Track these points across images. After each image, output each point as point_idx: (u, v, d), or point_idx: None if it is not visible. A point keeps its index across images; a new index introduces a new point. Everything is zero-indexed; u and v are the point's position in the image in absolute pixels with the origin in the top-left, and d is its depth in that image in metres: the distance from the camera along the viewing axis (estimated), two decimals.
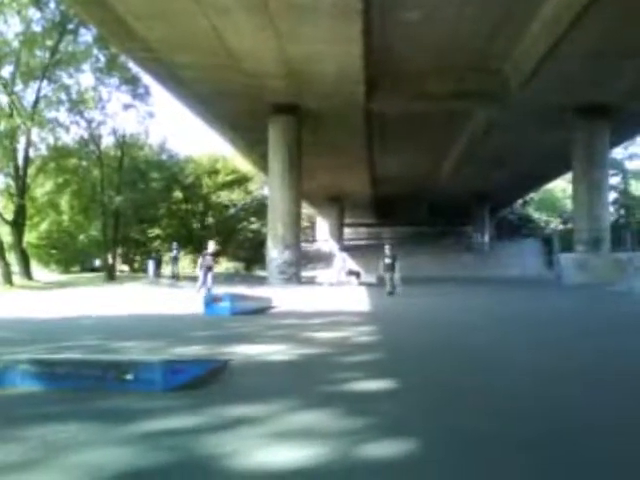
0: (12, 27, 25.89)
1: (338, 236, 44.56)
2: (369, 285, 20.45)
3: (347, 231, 48.70)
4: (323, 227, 50.40)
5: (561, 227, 47.46)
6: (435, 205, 43.97)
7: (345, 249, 28.22)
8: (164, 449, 2.57)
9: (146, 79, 27.81)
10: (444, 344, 6.19)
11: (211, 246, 17.98)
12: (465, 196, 41.17)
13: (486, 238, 45.34)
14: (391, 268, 14.96)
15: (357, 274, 22.71)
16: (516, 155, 29.01)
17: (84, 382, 3.76)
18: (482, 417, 3.15)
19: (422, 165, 32.59)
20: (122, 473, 2.26)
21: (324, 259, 31.34)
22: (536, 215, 56.41)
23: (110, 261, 30.48)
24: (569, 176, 27.14)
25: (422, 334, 7.10)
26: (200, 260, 17.19)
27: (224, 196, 42.58)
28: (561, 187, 52.29)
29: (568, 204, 43.40)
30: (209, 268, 16.81)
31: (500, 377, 4.36)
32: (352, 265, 25.07)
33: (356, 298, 13.73)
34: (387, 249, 15.34)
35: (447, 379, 4.28)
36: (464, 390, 3.87)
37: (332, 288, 19.21)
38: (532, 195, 52.56)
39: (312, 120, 21.37)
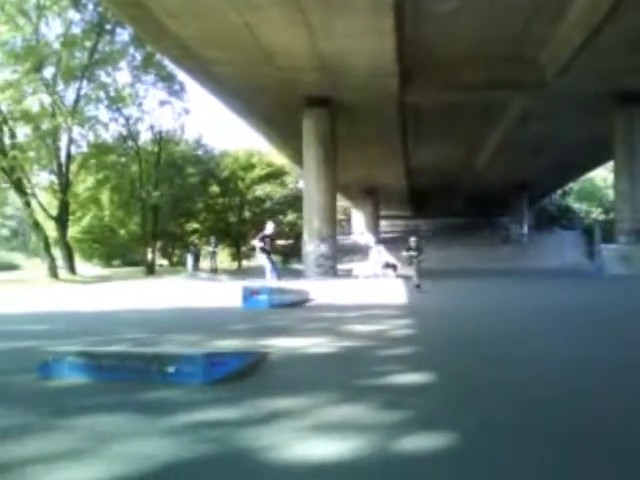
0: (53, 29, 26.61)
1: (374, 229, 44.43)
2: (406, 278, 20.35)
3: (383, 223, 48.51)
4: (359, 220, 50.32)
5: (602, 217, 46.31)
6: (471, 196, 43.44)
7: (381, 241, 28.12)
8: (206, 441, 2.63)
9: (181, 76, 28.27)
10: (481, 337, 6.14)
11: (270, 227, 16.18)
12: (502, 187, 40.54)
13: (524, 229, 44.61)
14: (414, 261, 14.35)
15: (394, 267, 22.62)
16: (554, 144, 28.43)
17: (128, 374, 3.85)
18: (517, 409, 3.13)
19: (457, 156, 32.23)
20: (168, 463, 2.32)
21: (360, 252, 31.32)
22: (576, 205, 55.20)
23: (150, 255, 31.07)
24: (610, 165, 26.50)
25: (458, 327, 7.05)
26: (259, 244, 15.50)
27: (260, 190, 42.86)
28: (602, 176, 51.02)
29: (610, 194, 42.33)
30: (269, 253, 15.41)
31: (537, 369, 4.31)
32: (388, 258, 24.98)
33: (393, 291, 13.69)
34: (412, 241, 14.76)
35: (484, 372, 4.25)
36: (499, 382, 3.85)
37: (368, 281, 19.19)
38: (572, 185, 51.42)
39: (346, 112, 21.33)
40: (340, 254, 26.37)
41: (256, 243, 15.74)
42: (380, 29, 15.20)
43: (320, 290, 12.93)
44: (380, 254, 22.79)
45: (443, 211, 46.84)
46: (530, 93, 20.27)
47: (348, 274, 22.86)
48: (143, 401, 3.38)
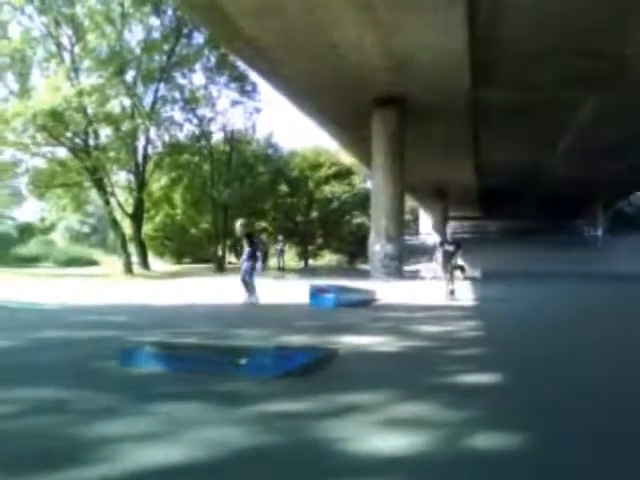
0: (135, 35, 27.81)
1: (442, 229, 43.82)
2: (474, 279, 19.99)
3: (451, 224, 47.76)
4: (426, 220, 49.74)
5: None
6: (543, 198, 42.05)
7: (449, 243, 27.71)
8: (278, 431, 2.71)
9: (253, 76, 28.81)
10: (549, 339, 6.00)
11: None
12: (576, 188, 39.01)
13: (599, 232, 42.81)
14: (449, 263, 12.37)
15: (462, 268, 22.24)
16: (633, 144, 27.13)
17: (202, 365, 4.00)
18: (589, 413, 3.07)
19: (529, 155, 31.27)
20: (242, 450, 2.42)
21: (427, 253, 30.95)
22: None
23: (220, 253, 31.83)
24: None
25: (527, 329, 6.92)
26: (440, 255, 13.25)
27: (328, 189, 43.07)
28: None
29: None
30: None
31: (608, 372, 4.20)
32: (456, 259, 24.55)
33: (460, 292, 13.49)
34: (447, 238, 12.62)
35: (552, 373, 4.18)
36: (568, 385, 3.80)
37: (435, 282, 18.96)
38: None
39: (415, 112, 21.15)
40: (407, 255, 26.17)
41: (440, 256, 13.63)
42: (452, 24, 14.94)
43: (386, 290, 12.92)
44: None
45: (513, 213, 45.57)
46: (608, 90, 19.43)
47: (415, 275, 22.66)
48: (216, 391, 3.52)
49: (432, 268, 22.67)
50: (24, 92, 25.07)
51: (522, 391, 3.62)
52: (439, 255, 22.48)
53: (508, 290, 14.28)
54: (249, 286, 10.42)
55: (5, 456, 2.33)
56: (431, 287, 16.29)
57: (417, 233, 49.52)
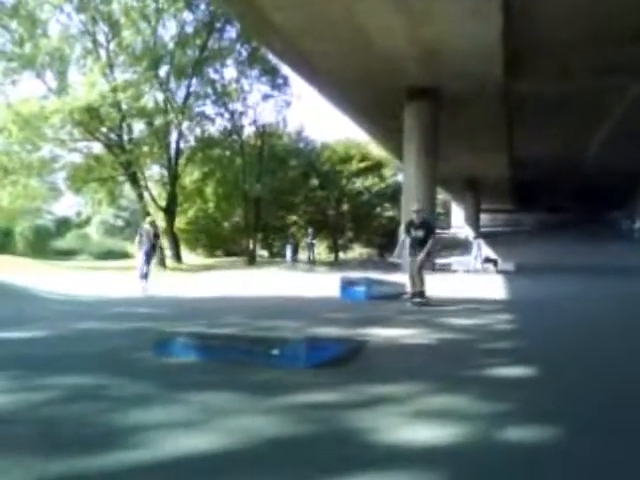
0: (169, 30, 28.11)
1: (474, 222, 43.32)
2: (507, 273, 19.74)
3: (483, 217, 47.18)
4: (458, 213, 49.24)
5: None
6: (579, 189, 41.14)
7: (482, 236, 27.39)
8: (310, 421, 2.74)
9: (284, 69, 28.85)
10: (583, 333, 5.92)
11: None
12: (613, 179, 38.02)
13: (637, 224, 41.73)
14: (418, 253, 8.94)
15: (494, 262, 22.02)
16: None
17: (234, 355, 4.06)
18: (621, 408, 3.03)
19: (565, 147, 30.61)
20: (274, 438, 2.46)
21: (459, 246, 30.66)
22: None
23: (251, 246, 32.07)
24: None
25: (560, 322, 6.81)
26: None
27: (358, 182, 42.94)
28: None
29: None
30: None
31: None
32: (489, 252, 24.33)
33: (493, 286, 13.35)
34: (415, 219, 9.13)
35: (586, 368, 4.13)
36: (602, 380, 3.75)
37: (468, 275, 18.80)
38: None
39: (447, 103, 20.90)
40: (438, 248, 25.94)
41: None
42: (486, 11, 14.59)
43: None
44: (479, 249, 22.21)
45: (547, 205, 44.73)
46: None
47: (447, 268, 22.47)
48: (249, 381, 3.56)
49: (465, 261, 22.52)
50: (62, 89, 25.58)
51: (556, 384, 3.59)
52: (473, 249, 22.37)
53: (542, 283, 14.05)
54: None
55: (49, 439, 2.41)
56: (464, 280, 16.16)
57: (449, 227, 49.04)
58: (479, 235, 26.06)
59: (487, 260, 21.96)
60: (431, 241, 8.87)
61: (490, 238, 31.53)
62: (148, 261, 12.57)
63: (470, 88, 20.12)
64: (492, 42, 16.37)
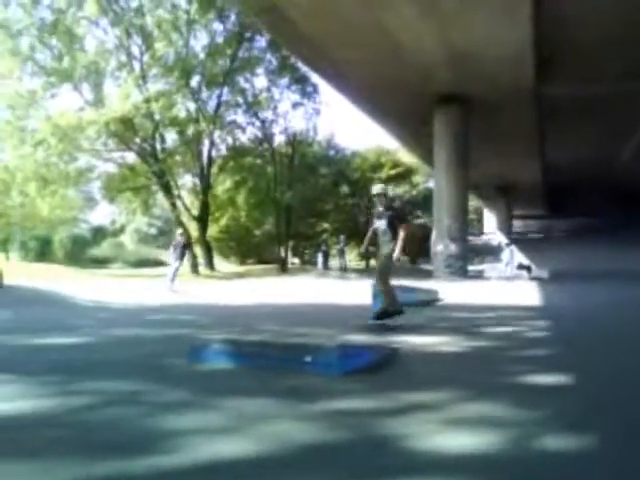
0: (200, 41, 28.60)
1: (506, 229, 42.81)
2: (541, 280, 19.45)
3: (516, 223, 46.59)
4: (490, 219, 48.72)
5: None
6: (614, 193, 40.31)
7: (515, 242, 27.06)
8: (344, 427, 2.75)
9: (314, 78, 29.02)
10: (620, 341, 5.79)
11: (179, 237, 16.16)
12: None
13: None
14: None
15: (528, 268, 21.73)
16: None
17: (268, 362, 4.10)
18: None
19: (600, 150, 30.09)
20: (309, 445, 2.47)
21: (492, 252, 30.33)
22: None
23: (282, 254, 32.22)
24: None
25: (596, 330, 6.69)
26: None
27: (389, 190, 42.86)
28: None
29: None
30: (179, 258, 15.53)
31: None
32: (522, 259, 24.01)
33: (526, 293, 13.17)
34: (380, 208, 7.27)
35: (623, 376, 4.04)
36: (638, 388, 3.66)
37: (501, 282, 18.58)
38: None
39: (478, 108, 20.79)
40: (471, 254, 25.72)
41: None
42: (516, 17, 14.55)
43: (450, 290, 12.74)
44: (512, 255, 21.96)
45: (581, 210, 43.91)
46: None
47: (479, 275, 22.24)
48: (283, 387, 3.59)
49: (497, 268, 22.26)
50: (98, 101, 26.22)
51: (592, 392, 3.53)
52: (505, 255, 22.10)
53: (576, 290, 13.82)
54: None
55: (88, 443, 2.48)
56: (496, 287, 15.98)
57: (481, 233, 48.55)
58: (511, 242, 25.75)
59: (520, 267, 21.69)
60: (401, 236, 6.57)
61: (523, 244, 31.12)
62: (177, 267, 15.11)
63: (501, 93, 19.98)
64: (522, 46, 16.23)
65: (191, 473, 2.13)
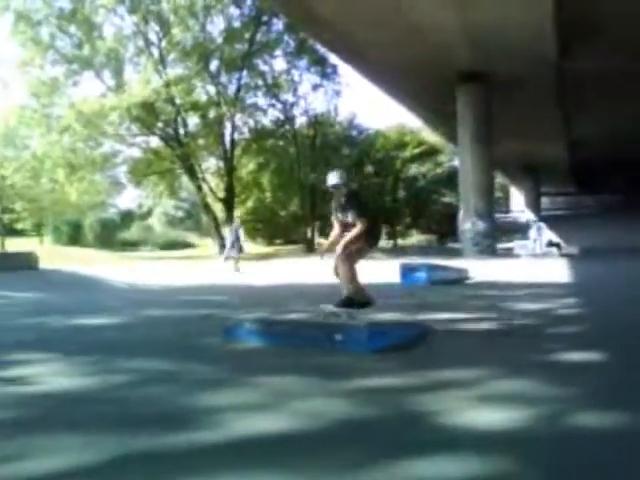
0: (217, 26, 28.62)
1: (534, 206, 42.20)
2: (571, 256, 19.21)
3: (544, 201, 45.88)
4: (518, 197, 48.08)
5: None
6: None
7: (543, 219, 26.72)
8: (376, 404, 2.77)
9: (333, 59, 28.83)
10: None
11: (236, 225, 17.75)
12: None
13: None
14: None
15: (557, 245, 21.48)
16: None
17: (299, 340, 4.15)
18: None
19: (629, 124, 29.26)
20: (342, 421, 2.50)
21: (520, 230, 29.97)
22: None
23: (309, 234, 32.29)
24: None
25: (628, 307, 6.59)
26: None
27: (414, 169, 42.48)
28: None
29: None
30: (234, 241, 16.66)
31: None
32: (552, 236, 23.72)
33: (556, 270, 13.01)
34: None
35: None
36: None
37: (530, 260, 18.38)
38: None
39: (500, 86, 20.40)
40: (499, 233, 25.44)
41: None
42: None
43: (479, 268, 12.62)
44: (539, 232, 21.68)
45: (611, 186, 42.94)
46: None
47: (508, 253, 22.03)
48: (314, 365, 3.62)
49: (526, 245, 22.01)
50: (119, 87, 26.45)
51: (623, 369, 3.49)
52: (532, 232, 21.83)
53: (607, 267, 13.61)
54: None
55: (128, 418, 2.55)
56: (526, 264, 15.83)
57: (508, 211, 47.96)
58: (539, 219, 25.43)
59: (550, 244, 21.46)
60: (359, 226, 5.45)
61: (552, 221, 30.69)
62: (233, 249, 16.27)
63: (523, 70, 19.55)
64: (544, 23, 15.81)
65: (227, 447, 2.18)
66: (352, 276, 5.77)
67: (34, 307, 7.79)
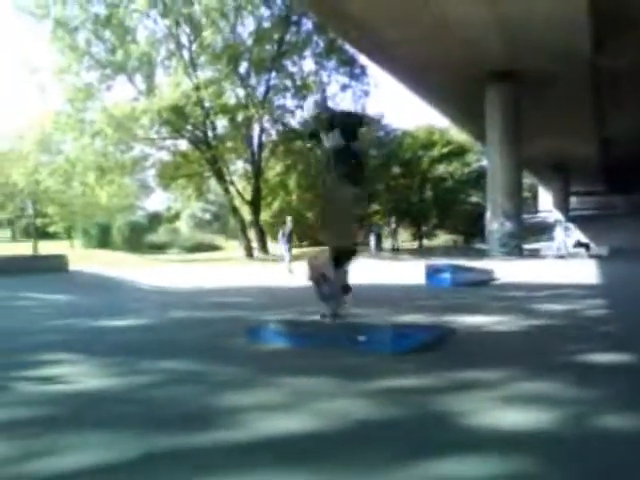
0: (247, 27, 28.84)
1: (563, 206, 41.58)
2: (600, 257, 18.87)
3: (572, 200, 45.19)
4: (546, 197, 47.43)
5: None
6: None
7: (571, 220, 26.30)
8: (400, 404, 2.78)
9: (362, 59, 28.79)
10: None
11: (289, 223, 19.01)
12: None
13: None
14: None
15: (586, 246, 21.13)
16: None
17: (323, 342, 4.17)
18: None
19: None
20: (366, 421, 2.52)
21: (548, 231, 29.58)
22: None
23: None
24: None
25: None
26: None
27: (441, 169, 42.21)
28: None
29: None
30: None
31: None
32: (580, 236, 23.34)
33: (585, 271, 12.81)
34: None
35: None
36: None
37: (557, 261, 18.12)
38: None
39: (531, 84, 20.17)
40: (526, 233, 25.14)
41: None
42: None
43: (505, 269, 12.52)
44: (567, 232, 21.34)
45: None
46: None
47: (535, 254, 21.74)
48: (337, 366, 3.64)
49: (553, 246, 21.69)
50: (150, 91, 26.84)
51: None
52: (558, 232, 21.47)
53: (637, 268, 13.33)
54: None
55: (153, 418, 2.61)
56: (553, 265, 15.61)
57: (536, 211, 47.33)
58: (568, 219, 25.03)
59: (579, 244, 21.10)
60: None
61: (581, 221, 30.20)
62: (289, 248, 17.83)
63: (555, 67, 19.32)
64: (579, 14, 15.57)
65: (251, 447, 2.22)
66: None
67: (63, 309, 7.96)
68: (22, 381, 3.34)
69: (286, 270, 16.47)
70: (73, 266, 15.24)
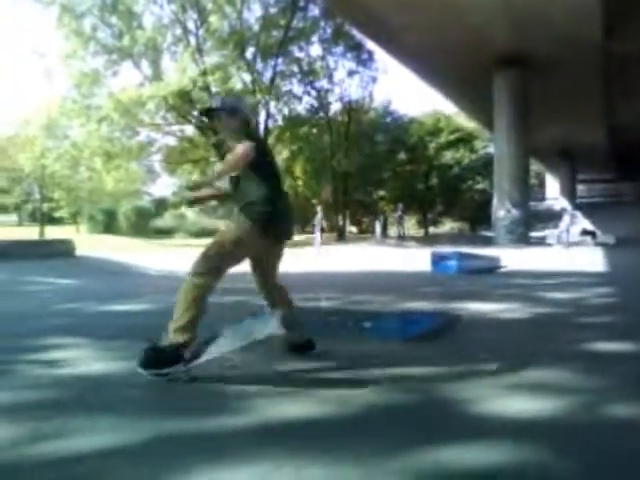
0: (253, 12, 28.65)
1: (570, 193, 41.38)
2: (606, 246, 18.81)
3: (580, 188, 44.94)
4: (553, 184, 47.20)
5: None
6: None
7: (578, 207, 26.18)
8: (408, 391, 2.79)
9: (369, 45, 28.60)
10: None
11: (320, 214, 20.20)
12: None
13: None
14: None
15: (592, 234, 21.04)
16: None
17: (329, 329, 4.17)
18: None
19: None
20: (373, 407, 2.53)
21: (555, 218, 29.46)
22: None
23: (340, 222, 32.30)
24: None
25: None
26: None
27: (448, 156, 42.02)
28: None
29: None
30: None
31: None
32: (586, 224, 23.24)
33: (591, 259, 12.77)
34: None
35: None
36: None
37: (564, 248, 18.07)
38: None
39: (539, 70, 19.99)
40: (533, 221, 25.06)
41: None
42: None
43: (511, 257, 12.50)
44: (572, 220, 21.25)
45: None
46: None
47: (541, 241, 21.69)
48: (345, 352, 3.64)
49: (558, 234, 21.62)
50: (156, 76, 26.75)
51: None
52: (564, 220, 21.39)
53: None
54: None
55: (159, 402, 2.67)
56: (559, 253, 15.58)
57: (543, 198, 47.13)
58: (574, 206, 24.91)
59: (585, 232, 21.01)
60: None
61: (588, 209, 30.07)
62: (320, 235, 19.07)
63: (565, 52, 19.12)
64: (588, 3, 15.40)
65: (257, 432, 2.23)
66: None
67: (70, 293, 8.00)
68: (29, 364, 3.36)
69: (317, 253, 17.65)
70: (79, 251, 15.28)
